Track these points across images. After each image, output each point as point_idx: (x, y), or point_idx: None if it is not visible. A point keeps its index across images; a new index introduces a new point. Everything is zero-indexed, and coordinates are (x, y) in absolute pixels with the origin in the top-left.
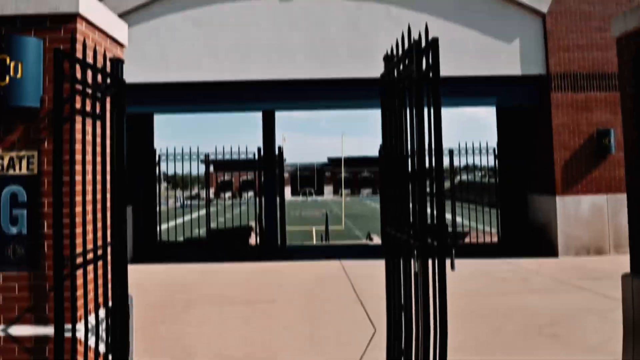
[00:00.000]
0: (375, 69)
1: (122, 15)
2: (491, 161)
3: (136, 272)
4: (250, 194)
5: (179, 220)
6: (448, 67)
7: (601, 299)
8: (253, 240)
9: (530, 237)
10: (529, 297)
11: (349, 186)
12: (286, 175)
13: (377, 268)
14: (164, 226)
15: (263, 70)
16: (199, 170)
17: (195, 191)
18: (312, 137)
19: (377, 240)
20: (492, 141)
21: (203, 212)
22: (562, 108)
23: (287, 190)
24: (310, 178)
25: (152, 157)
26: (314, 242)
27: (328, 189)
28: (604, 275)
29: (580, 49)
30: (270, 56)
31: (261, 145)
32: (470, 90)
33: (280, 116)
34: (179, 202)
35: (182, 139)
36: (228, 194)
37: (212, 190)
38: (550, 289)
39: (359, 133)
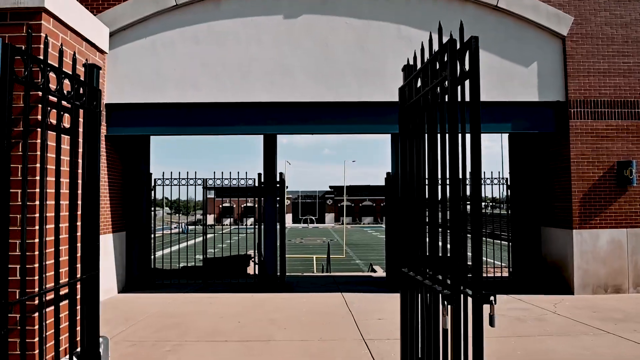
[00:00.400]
0: (383, 91)
1: (117, 32)
2: (503, 192)
3: (127, 303)
4: (252, 220)
5: (179, 246)
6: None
7: (627, 344)
8: (252, 269)
9: (543, 273)
10: (548, 340)
11: (350, 214)
12: (288, 202)
13: (381, 303)
14: (161, 252)
15: (265, 91)
16: (201, 195)
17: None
18: (314, 165)
19: (380, 272)
20: (496, 170)
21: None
22: (581, 136)
23: (289, 217)
24: (312, 206)
25: (147, 182)
26: (315, 272)
27: (329, 217)
28: (626, 317)
29: (601, 74)
30: (272, 77)
31: (262, 170)
32: (483, 116)
33: (283, 143)
34: (181, 227)
35: (180, 162)
36: (229, 220)
37: (214, 217)
38: (569, 331)
39: (361, 161)
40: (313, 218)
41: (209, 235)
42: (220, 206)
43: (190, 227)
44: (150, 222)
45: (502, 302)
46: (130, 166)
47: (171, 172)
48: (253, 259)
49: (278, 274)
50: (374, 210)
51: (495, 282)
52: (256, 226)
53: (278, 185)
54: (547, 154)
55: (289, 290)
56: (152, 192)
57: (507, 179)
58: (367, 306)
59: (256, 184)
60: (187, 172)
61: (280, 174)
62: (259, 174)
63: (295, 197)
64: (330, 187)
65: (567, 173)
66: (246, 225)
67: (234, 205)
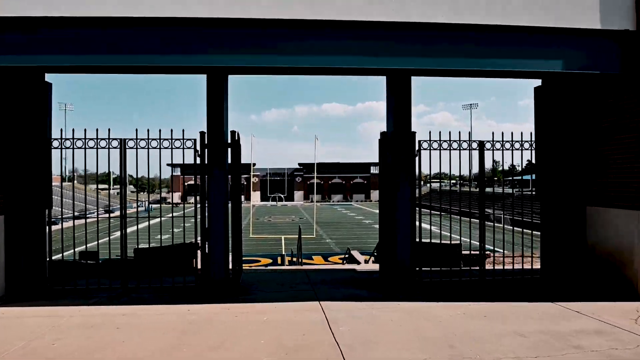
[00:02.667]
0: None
1: None
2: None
3: None
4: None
5: (117, 234)
6: (493, 12)
7: None
8: (200, 262)
9: (590, 268)
10: None
11: (319, 192)
12: (256, 180)
13: (381, 322)
14: (107, 238)
15: (206, 3)
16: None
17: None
18: (283, 143)
19: (360, 260)
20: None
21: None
22: None
23: (257, 195)
24: (281, 183)
25: (43, 143)
26: (284, 252)
27: (298, 195)
28: None
29: None
30: None
31: (205, 128)
32: (521, 46)
33: (252, 120)
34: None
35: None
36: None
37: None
38: None
39: (330, 139)
40: (282, 196)
41: (160, 219)
42: (186, 184)
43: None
44: (45, 200)
45: (549, 317)
46: (16, 119)
47: (72, 130)
48: (201, 248)
49: (230, 274)
50: (343, 188)
51: (524, 282)
52: (197, 207)
53: (231, 148)
54: (599, 108)
55: (245, 295)
56: (50, 157)
57: (531, 142)
58: (360, 330)
59: (197, 148)
60: (97, 130)
61: (234, 132)
62: (202, 133)
63: (264, 174)
64: (300, 164)
65: (633, 133)
66: (195, 204)
67: (199, 183)
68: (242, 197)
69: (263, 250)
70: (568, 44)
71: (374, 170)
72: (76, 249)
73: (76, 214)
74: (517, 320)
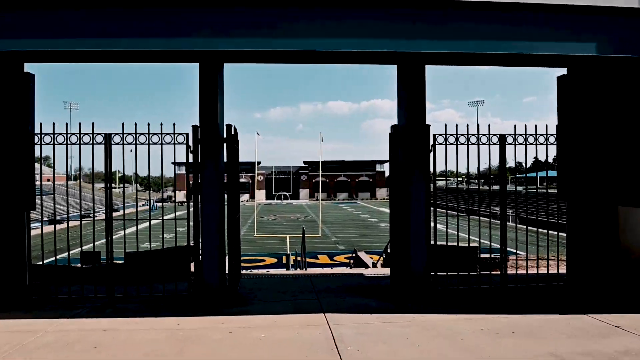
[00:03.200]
0: None
1: None
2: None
3: None
4: (243, 198)
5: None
6: None
7: None
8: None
9: (624, 273)
10: None
11: (325, 190)
12: (261, 178)
13: (396, 341)
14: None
15: None
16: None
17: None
18: (288, 141)
19: (365, 258)
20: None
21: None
22: None
23: (262, 193)
24: (286, 181)
25: (24, 139)
26: (289, 251)
27: (304, 193)
28: None
29: None
30: None
31: (198, 122)
32: (546, 28)
33: (256, 118)
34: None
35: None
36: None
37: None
38: None
39: (335, 137)
40: (287, 194)
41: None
42: (191, 182)
43: (159, 205)
44: (27, 199)
45: (585, 333)
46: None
47: (53, 123)
48: (194, 253)
49: (226, 281)
50: (349, 186)
51: (549, 290)
52: (189, 207)
53: (226, 143)
54: (634, 98)
55: (242, 306)
56: (33, 152)
57: (555, 135)
58: (371, 351)
59: (189, 143)
60: (80, 124)
61: (229, 126)
62: (194, 127)
63: (269, 172)
64: (305, 162)
65: None
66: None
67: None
68: (247, 195)
69: (268, 249)
70: (603, 24)
71: (380, 167)
72: (71, 251)
73: (76, 213)
74: (549, 337)
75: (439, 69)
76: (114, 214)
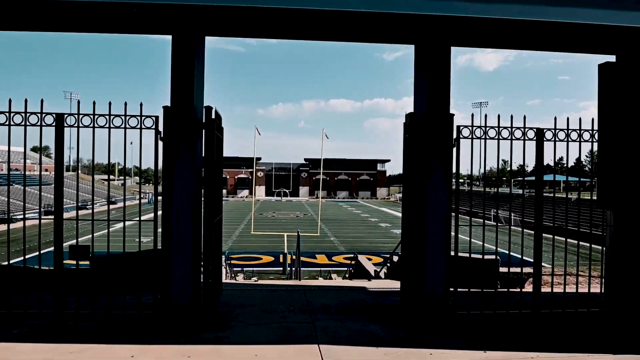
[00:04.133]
0: None
1: None
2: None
3: None
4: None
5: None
6: None
7: None
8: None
9: None
10: None
11: (325, 188)
12: (261, 174)
13: None
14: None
15: None
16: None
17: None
18: (289, 138)
19: (367, 265)
20: None
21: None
22: None
23: (262, 190)
24: (286, 178)
25: None
26: (286, 249)
27: (304, 190)
28: None
29: None
30: None
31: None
32: None
33: (259, 115)
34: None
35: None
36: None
37: None
38: None
39: (336, 136)
40: (287, 191)
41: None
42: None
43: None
44: None
45: None
46: None
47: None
48: (160, 262)
49: (201, 296)
50: (349, 185)
51: (589, 316)
52: (162, 205)
53: (205, 129)
54: None
55: (217, 331)
56: None
57: (593, 131)
58: None
59: (160, 129)
60: (26, 102)
61: (209, 109)
62: (165, 109)
63: (269, 169)
64: (306, 159)
65: None
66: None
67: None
68: (246, 192)
69: (265, 247)
70: None
71: (381, 167)
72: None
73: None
74: None
75: None
76: (112, 206)
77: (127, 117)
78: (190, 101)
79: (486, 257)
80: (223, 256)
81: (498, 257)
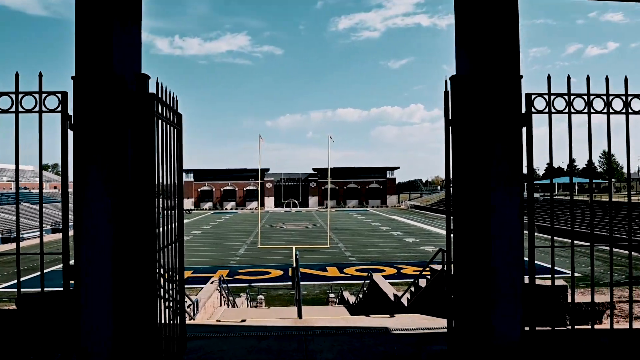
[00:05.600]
0: None
1: None
2: None
3: None
4: (210, 206)
5: None
6: None
7: None
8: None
9: None
10: None
11: (334, 197)
12: (270, 185)
13: None
14: None
15: None
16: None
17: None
18: (297, 148)
19: (385, 286)
20: None
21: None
22: None
23: (271, 201)
24: (295, 189)
25: None
26: (294, 262)
27: (313, 200)
28: None
29: None
30: None
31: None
32: None
33: (267, 126)
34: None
35: None
36: (208, 205)
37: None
38: None
39: (344, 145)
40: (296, 202)
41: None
42: (199, 189)
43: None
44: None
45: None
46: None
47: None
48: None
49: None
50: (359, 193)
51: None
52: (74, 230)
53: (141, 108)
54: None
55: None
56: None
57: None
58: None
59: (69, 111)
60: None
61: (143, 77)
62: (76, 80)
63: (278, 180)
64: (314, 169)
65: None
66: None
67: (213, 189)
68: (255, 203)
69: (275, 260)
70: None
71: (390, 174)
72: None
73: None
74: None
75: (452, 72)
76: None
77: (20, 97)
78: (108, 63)
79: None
80: (217, 279)
81: (566, 283)
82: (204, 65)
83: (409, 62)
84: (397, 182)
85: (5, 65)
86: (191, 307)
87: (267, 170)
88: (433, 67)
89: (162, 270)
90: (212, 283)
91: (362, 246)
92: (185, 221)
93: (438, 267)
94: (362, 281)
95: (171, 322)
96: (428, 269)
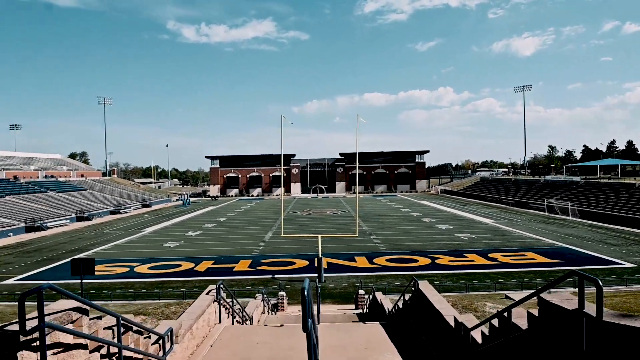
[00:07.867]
0: None
1: None
2: None
3: None
4: (258, 191)
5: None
6: None
7: None
8: None
9: None
10: None
11: (362, 183)
12: (296, 171)
13: None
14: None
15: None
16: None
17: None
18: (325, 134)
19: (435, 298)
20: None
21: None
22: None
23: (297, 187)
24: (321, 174)
25: None
26: (320, 253)
27: (340, 186)
28: None
29: None
30: None
31: None
32: None
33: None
34: (183, 199)
35: None
36: (234, 192)
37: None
38: None
39: (372, 129)
40: (323, 187)
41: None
42: (225, 176)
43: (192, 200)
44: None
45: None
46: None
47: None
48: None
49: None
50: (387, 178)
51: None
52: None
53: None
54: None
55: None
56: None
57: None
58: None
59: None
60: None
61: None
62: None
63: (304, 165)
64: (341, 154)
65: None
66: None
67: (239, 175)
68: (281, 189)
69: (300, 249)
70: None
71: (419, 158)
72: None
73: (112, 209)
74: None
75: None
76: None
77: None
78: None
79: None
80: (216, 287)
81: None
82: (229, 52)
83: (438, 44)
84: (427, 166)
85: None
86: (159, 343)
87: (294, 155)
88: (462, 48)
89: None
90: (208, 294)
91: (392, 234)
92: (210, 208)
93: (555, 298)
94: (394, 272)
95: None
96: (536, 298)
